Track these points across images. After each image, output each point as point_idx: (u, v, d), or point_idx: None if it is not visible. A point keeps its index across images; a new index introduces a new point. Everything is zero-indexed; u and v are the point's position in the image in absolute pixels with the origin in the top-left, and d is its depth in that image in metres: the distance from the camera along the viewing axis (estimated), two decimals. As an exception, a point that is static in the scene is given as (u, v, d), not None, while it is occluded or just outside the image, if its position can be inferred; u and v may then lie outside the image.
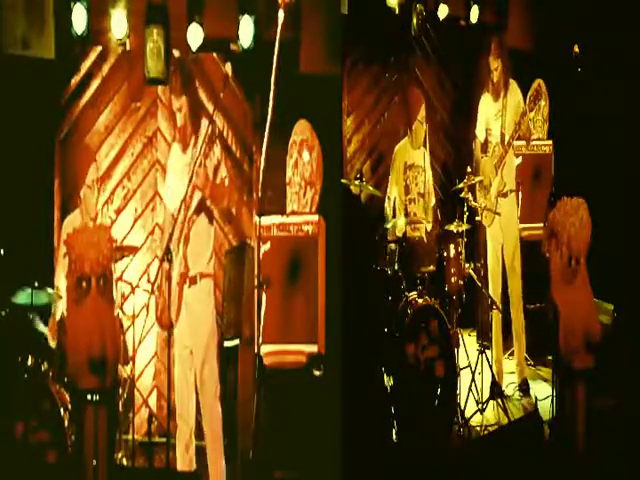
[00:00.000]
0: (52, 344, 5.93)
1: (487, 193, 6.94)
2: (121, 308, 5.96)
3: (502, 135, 6.85)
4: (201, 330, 5.69)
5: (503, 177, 6.88)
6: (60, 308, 5.92)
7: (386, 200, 7.11)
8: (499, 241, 6.95)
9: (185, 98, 5.69)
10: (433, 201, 7.21)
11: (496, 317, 7.02)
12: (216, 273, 5.98)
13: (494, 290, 6.98)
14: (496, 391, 6.66)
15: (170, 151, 6.00)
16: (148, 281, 6.17)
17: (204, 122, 5.68)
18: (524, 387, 6.95)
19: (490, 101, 6.99)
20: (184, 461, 5.74)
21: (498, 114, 6.89)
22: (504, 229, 6.93)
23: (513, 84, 6.92)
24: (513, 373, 7.22)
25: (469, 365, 6.50)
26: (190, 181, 5.49)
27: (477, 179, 6.75)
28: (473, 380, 6.46)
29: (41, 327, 6.02)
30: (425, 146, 7.08)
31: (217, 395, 5.75)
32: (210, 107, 6.62)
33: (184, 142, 5.76)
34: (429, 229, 6.88)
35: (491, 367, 6.52)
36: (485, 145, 7.04)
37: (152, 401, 6.67)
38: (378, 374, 6.15)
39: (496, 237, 6.95)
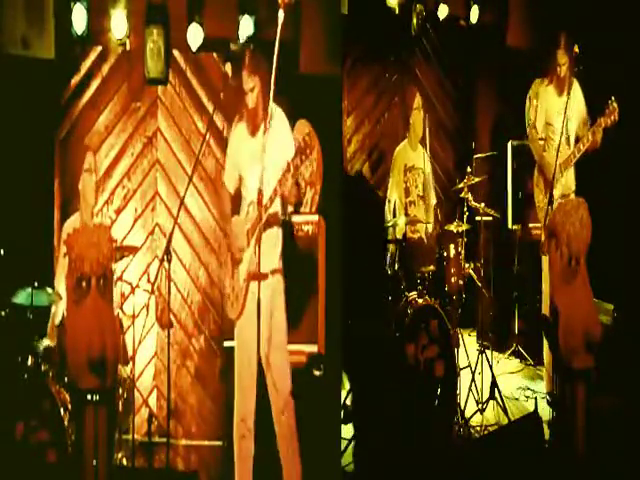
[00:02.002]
0: (52, 344, 5.92)
1: (547, 194, 6.78)
2: (121, 308, 5.95)
3: (567, 136, 6.66)
4: (270, 321, 5.39)
5: (567, 180, 6.72)
6: (60, 308, 5.92)
7: (386, 203, 7.11)
8: None
9: (258, 78, 5.42)
10: (434, 201, 7.21)
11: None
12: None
13: None
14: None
15: (233, 129, 5.71)
16: (148, 281, 6.18)
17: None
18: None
19: (553, 94, 6.74)
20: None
21: (561, 111, 6.54)
22: None
23: (576, 84, 6.67)
24: (513, 373, 7.23)
25: (469, 365, 6.51)
26: (262, 175, 5.10)
27: (477, 179, 6.73)
28: (473, 380, 6.47)
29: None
30: (425, 144, 7.08)
31: (288, 391, 5.46)
32: (210, 107, 6.67)
33: (254, 124, 5.50)
34: (430, 230, 6.87)
35: (491, 367, 6.52)
36: (542, 139, 6.82)
37: (152, 401, 6.67)
38: (378, 374, 6.14)
39: None
